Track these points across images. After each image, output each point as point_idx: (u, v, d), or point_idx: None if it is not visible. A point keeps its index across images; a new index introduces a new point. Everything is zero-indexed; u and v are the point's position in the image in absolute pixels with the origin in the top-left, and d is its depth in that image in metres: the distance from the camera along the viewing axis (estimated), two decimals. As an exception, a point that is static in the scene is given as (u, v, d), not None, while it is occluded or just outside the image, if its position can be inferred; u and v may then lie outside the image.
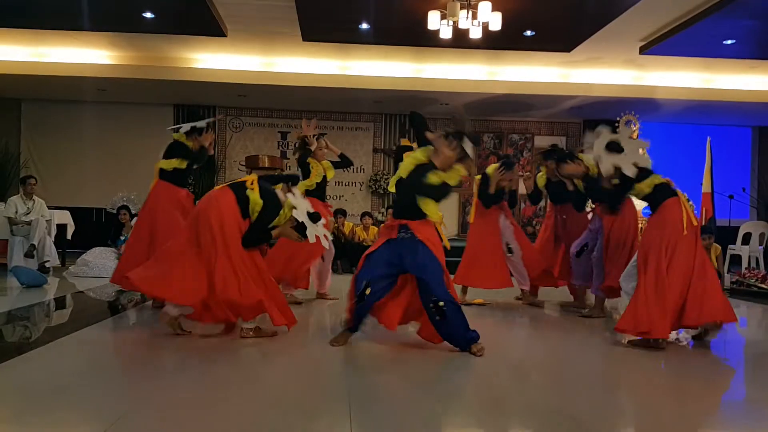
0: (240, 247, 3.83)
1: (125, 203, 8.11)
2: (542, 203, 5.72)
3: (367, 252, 3.79)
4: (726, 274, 8.17)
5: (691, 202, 4.46)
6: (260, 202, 3.87)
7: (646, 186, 4.13)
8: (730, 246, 8.99)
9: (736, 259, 8.85)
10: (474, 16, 6.88)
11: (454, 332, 3.64)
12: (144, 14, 7.68)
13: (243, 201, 3.87)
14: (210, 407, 2.53)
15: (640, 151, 4.24)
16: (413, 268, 3.59)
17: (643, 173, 4.11)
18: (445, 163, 3.68)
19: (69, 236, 8.64)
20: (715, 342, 4.36)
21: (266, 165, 9.37)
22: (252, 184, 3.93)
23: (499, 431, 2.49)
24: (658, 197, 4.12)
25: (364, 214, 10.13)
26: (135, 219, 7.79)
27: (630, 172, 4.03)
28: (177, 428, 2.34)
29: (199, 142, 5.07)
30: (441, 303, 3.51)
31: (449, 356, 3.62)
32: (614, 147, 4.14)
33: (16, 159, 11.53)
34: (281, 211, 3.97)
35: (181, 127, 5.06)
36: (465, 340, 3.65)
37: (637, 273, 4.06)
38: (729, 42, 8.15)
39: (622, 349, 4.04)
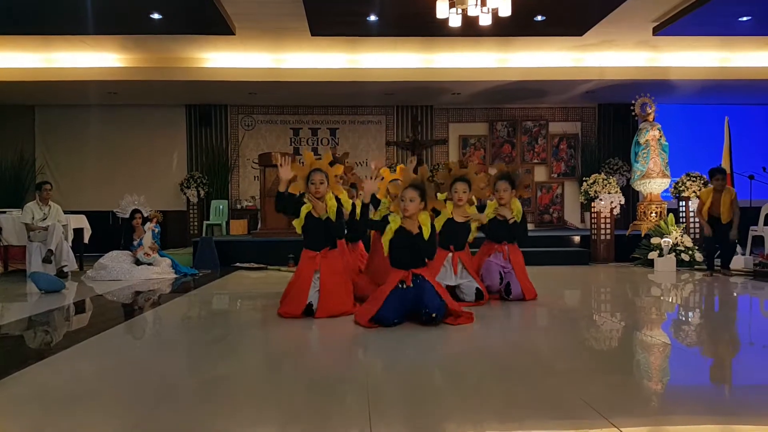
0: None
1: (137, 206, 8.02)
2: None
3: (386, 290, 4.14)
4: (749, 256, 8.00)
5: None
6: None
7: None
8: (752, 227, 8.79)
9: (758, 241, 8.64)
10: (483, 3, 6.76)
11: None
12: (151, 15, 7.68)
13: None
14: (230, 408, 2.51)
15: None
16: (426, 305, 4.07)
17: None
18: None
19: (86, 240, 8.68)
20: (740, 325, 4.31)
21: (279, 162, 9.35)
22: None
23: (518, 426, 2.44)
24: None
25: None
26: (147, 223, 7.81)
27: None
28: (199, 429, 2.32)
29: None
30: (434, 314, 4.00)
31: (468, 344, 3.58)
32: None
33: (31, 165, 11.65)
34: None
35: None
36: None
37: None
38: (745, 19, 7.98)
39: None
